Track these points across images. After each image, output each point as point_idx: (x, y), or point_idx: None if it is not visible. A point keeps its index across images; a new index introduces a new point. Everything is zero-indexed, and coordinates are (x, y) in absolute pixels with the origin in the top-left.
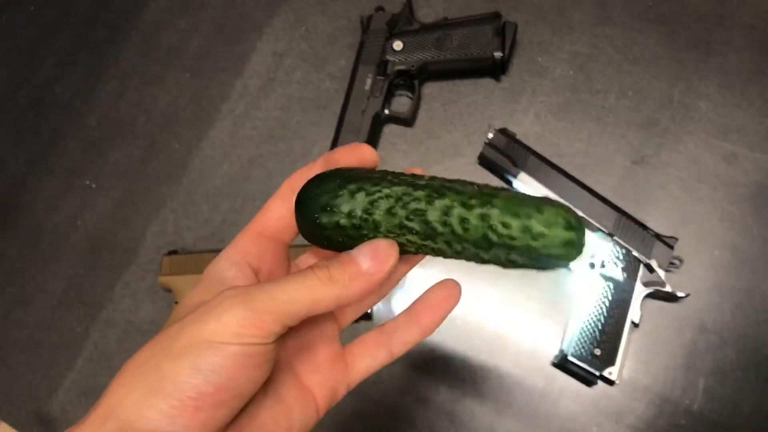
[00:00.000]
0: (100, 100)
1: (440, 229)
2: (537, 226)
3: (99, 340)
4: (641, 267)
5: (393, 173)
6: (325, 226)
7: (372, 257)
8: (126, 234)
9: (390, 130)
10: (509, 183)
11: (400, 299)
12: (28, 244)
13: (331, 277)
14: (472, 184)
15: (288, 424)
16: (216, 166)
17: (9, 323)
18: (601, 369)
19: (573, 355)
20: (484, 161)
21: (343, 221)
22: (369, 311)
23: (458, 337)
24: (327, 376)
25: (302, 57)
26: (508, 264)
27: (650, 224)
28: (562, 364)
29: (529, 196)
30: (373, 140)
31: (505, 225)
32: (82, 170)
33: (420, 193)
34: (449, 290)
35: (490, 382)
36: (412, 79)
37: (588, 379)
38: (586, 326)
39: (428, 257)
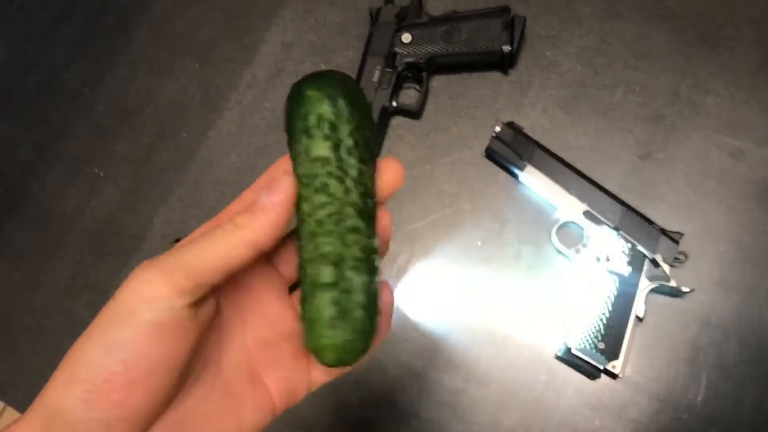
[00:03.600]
0: (109, 87)
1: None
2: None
3: None
4: (646, 261)
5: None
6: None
7: (268, 190)
8: (133, 221)
9: (397, 123)
10: (516, 176)
11: (402, 290)
12: (35, 230)
13: (237, 224)
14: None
15: (237, 421)
16: (223, 156)
17: (16, 309)
18: (604, 362)
19: (577, 348)
20: (490, 154)
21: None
22: None
23: (462, 329)
24: (287, 374)
25: (311, 48)
26: None
27: (656, 219)
28: (565, 357)
29: None
30: (380, 132)
31: None
32: (90, 157)
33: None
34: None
35: (493, 374)
36: (420, 72)
37: (591, 373)
38: (591, 320)
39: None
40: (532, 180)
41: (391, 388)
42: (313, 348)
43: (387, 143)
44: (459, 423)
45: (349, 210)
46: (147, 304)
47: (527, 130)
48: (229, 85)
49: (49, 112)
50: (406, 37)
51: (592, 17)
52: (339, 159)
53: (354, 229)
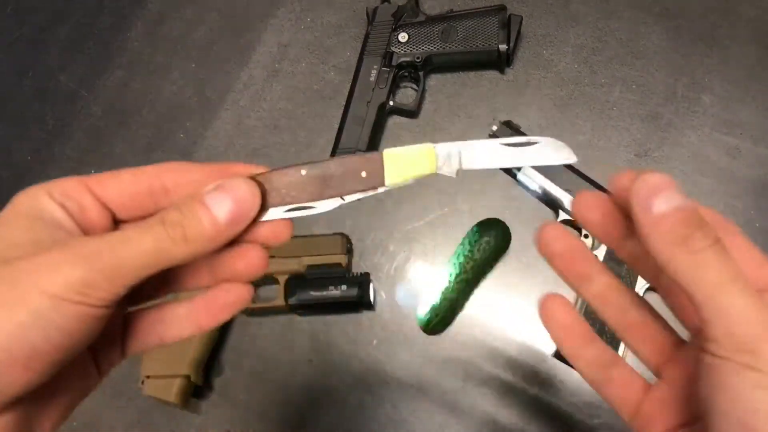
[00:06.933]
0: (106, 89)
1: None
2: None
3: None
4: None
5: None
6: None
7: (232, 210)
8: None
9: (395, 122)
10: (513, 176)
11: (404, 289)
12: None
13: (186, 238)
14: None
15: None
16: (220, 156)
17: None
18: None
19: None
20: None
21: None
22: (371, 300)
23: (460, 327)
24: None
25: (307, 48)
26: None
27: None
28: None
29: None
30: (377, 131)
31: None
32: (86, 159)
33: None
34: (237, 294)
35: (491, 372)
36: (417, 71)
37: None
38: (588, 317)
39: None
40: (530, 179)
41: (390, 387)
42: None
43: (384, 143)
44: (458, 421)
45: None
46: (82, 297)
47: (524, 129)
48: (225, 85)
49: (45, 114)
50: (403, 37)
51: (588, 16)
52: None
53: None
